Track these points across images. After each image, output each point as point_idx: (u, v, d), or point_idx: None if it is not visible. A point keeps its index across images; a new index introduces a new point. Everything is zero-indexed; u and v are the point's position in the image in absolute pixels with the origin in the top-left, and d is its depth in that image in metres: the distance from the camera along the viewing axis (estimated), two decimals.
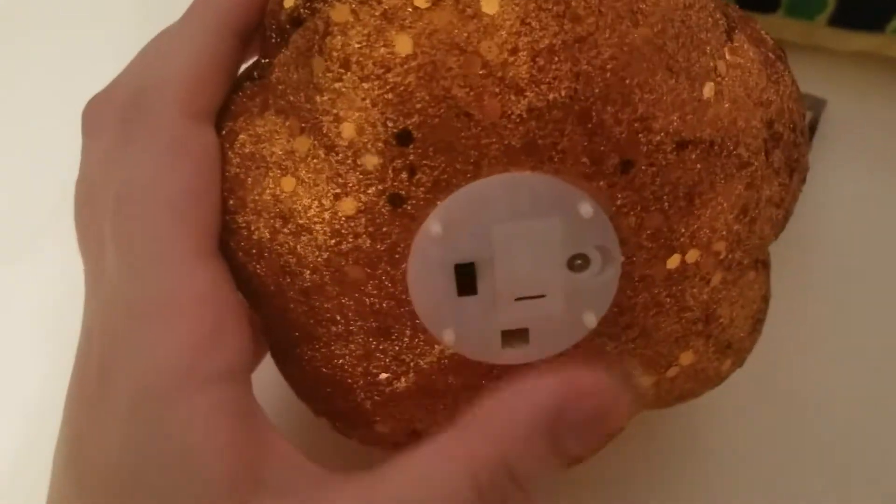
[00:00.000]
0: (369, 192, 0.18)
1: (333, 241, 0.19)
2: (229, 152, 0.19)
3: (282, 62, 0.19)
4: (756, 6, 0.28)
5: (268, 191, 0.19)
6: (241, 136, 0.19)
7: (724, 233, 0.19)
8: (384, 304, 0.19)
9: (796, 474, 0.26)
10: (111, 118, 0.19)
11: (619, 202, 0.18)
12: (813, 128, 0.30)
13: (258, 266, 0.19)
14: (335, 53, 0.18)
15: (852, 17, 0.27)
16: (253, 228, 0.19)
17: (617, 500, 0.25)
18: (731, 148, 0.18)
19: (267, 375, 0.20)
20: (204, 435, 0.17)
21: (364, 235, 0.18)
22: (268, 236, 0.19)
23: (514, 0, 0.17)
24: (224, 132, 0.19)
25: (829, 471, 0.26)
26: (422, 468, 0.17)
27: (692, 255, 0.19)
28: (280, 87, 0.19)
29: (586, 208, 0.18)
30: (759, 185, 0.19)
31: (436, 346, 0.20)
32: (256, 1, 0.20)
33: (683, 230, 0.19)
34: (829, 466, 0.26)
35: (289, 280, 0.19)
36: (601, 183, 0.18)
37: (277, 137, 0.19)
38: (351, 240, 0.18)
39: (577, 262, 0.19)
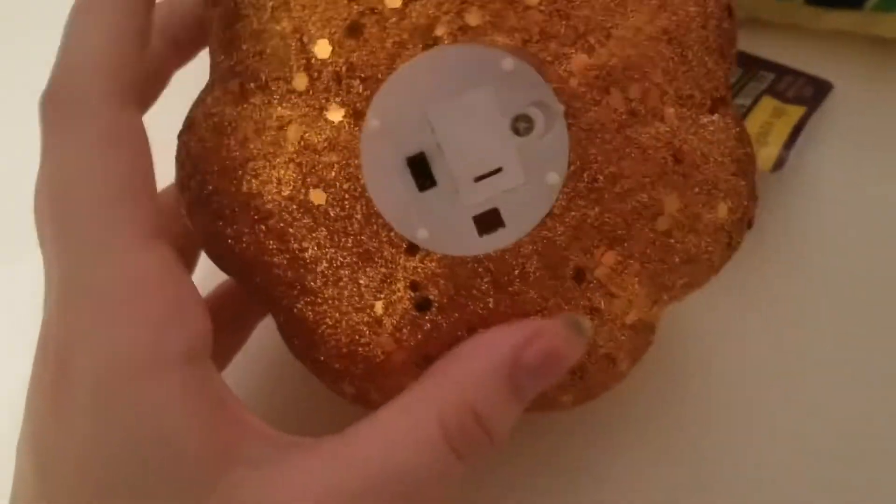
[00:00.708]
0: (307, 112, 0.19)
1: (291, 171, 0.19)
2: (189, 140, 0.21)
3: (212, 40, 0.21)
4: None
5: (224, 150, 0.20)
6: (197, 119, 0.21)
7: (656, 58, 0.19)
8: (354, 225, 0.19)
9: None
10: (46, 110, 0.19)
11: (539, 53, 0.19)
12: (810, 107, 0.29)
13: (235, 227, 0.20)
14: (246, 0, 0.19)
15: None
16: (222, 190, 0.20)
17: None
18: None
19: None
20: (176, 414, 0.17)
21: (315, 154, 0.19)
22: (233, 191, 0.20)
23: None
24: (184, 127, 0.21)
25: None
26: (391, 421, 0.18)
27: (633, 90, 0.19)
28: (216, 61, 0.20)
29: (507, 63, 0.18)
30: (674, 6, 0.19)
31: (418, 255, 0.20)
32: None
33: (614, 63, 0.19)
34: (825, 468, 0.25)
35: (264, 229, 0.20)
36: (517, 39, 0.19)
37: (225, 103, 0.20)
38: (306, 164, 0.19)
39: (523, 126, 0.19)
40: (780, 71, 0.30)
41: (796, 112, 0.27)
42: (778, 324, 0.27)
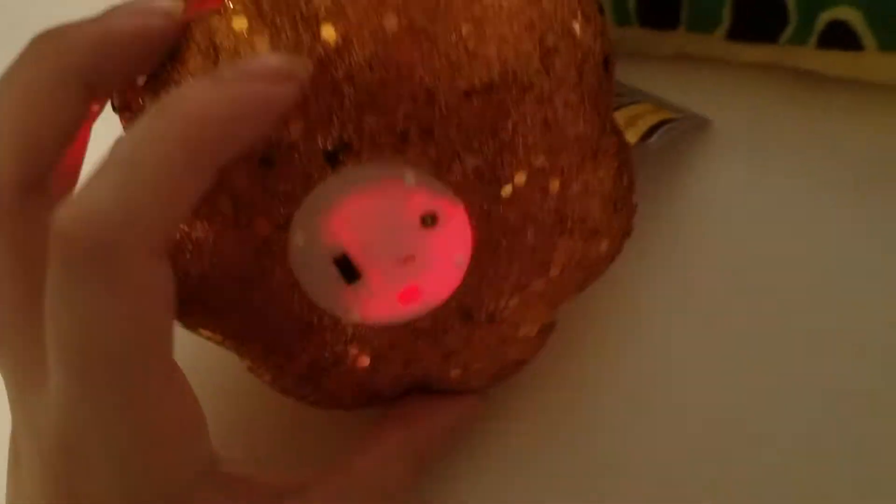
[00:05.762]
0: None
1: (237, 277, 0.22)
2: None
3: None
4: (659, 23, 0.30)
5: None
6: None
7: (538, 146, 0.21)
8: (298, 310, 0.23)
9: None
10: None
11: (436, 160, 0.21)
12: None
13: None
14: None
15: (747, 31, 0.28)
16: None
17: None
18: (511, 80, 0.21)
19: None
20: None
21: (250, 264, 0.22)
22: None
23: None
24: None
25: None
26: (377, 457, 0.24)
27: (520, 178, 0.22)
28: None
29: (409, 178, 0.21)
30: (550, 98, 0.21)
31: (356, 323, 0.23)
32: None
33: (502, 161, 0.21)
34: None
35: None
36: (411, 152, 0.21)
37: None
38: (259, 268, 0.22)
39: (429, 220, 0.22)
40: (663, 101, 0.30)
41: (672, 114, 0.28)
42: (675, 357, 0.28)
